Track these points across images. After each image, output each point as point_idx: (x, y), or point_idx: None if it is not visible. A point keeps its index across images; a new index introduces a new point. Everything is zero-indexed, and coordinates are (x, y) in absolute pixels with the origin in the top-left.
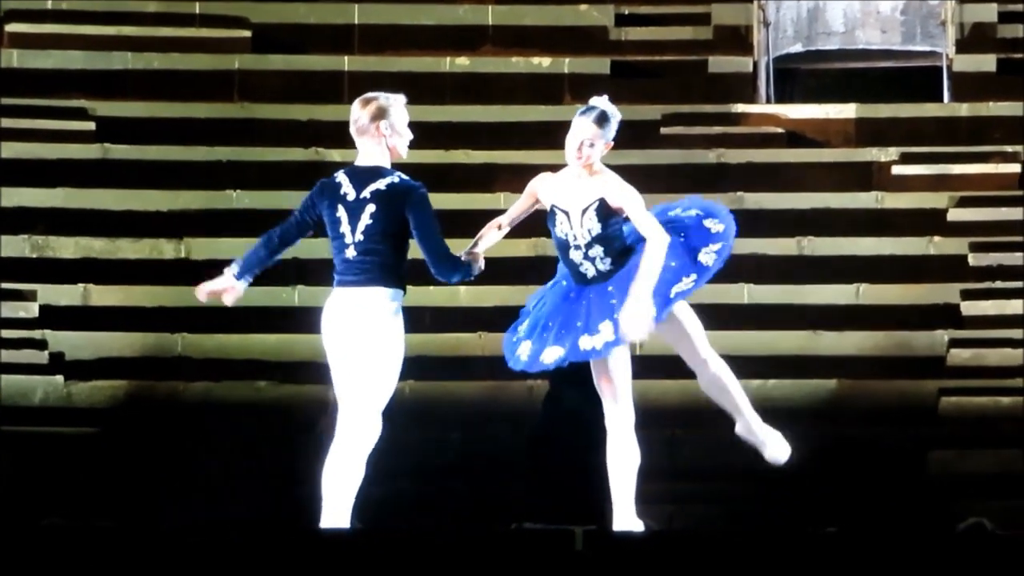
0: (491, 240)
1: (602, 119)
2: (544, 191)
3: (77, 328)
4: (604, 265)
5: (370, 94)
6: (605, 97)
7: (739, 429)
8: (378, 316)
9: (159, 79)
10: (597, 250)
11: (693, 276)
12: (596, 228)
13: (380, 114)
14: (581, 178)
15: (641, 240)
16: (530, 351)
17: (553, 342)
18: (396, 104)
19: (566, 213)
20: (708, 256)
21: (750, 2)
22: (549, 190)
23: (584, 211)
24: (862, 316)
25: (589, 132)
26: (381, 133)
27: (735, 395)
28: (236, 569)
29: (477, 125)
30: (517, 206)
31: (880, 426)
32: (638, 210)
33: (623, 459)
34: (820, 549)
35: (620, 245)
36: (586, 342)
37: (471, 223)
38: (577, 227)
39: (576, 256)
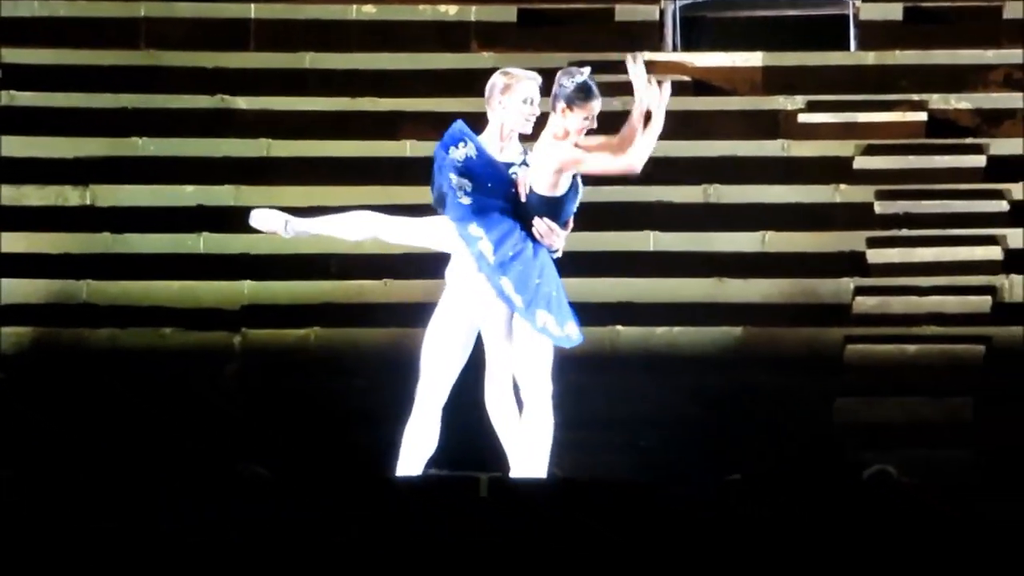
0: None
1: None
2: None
3: None
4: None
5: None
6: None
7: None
8: None
9: (65, 26)
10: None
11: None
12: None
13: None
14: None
15: None
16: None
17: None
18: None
19: None
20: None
21: None
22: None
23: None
24: (768, 264)
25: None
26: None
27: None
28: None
29: (383, 72)
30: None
31: (786, 374)
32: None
33: (539, 430)
34: (725, 497)
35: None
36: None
37: (376, 171)
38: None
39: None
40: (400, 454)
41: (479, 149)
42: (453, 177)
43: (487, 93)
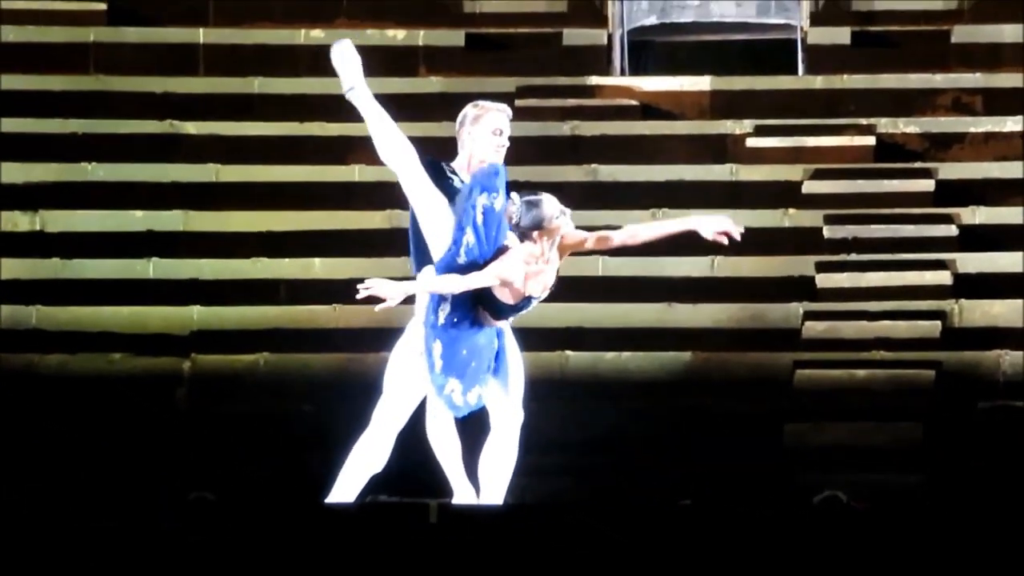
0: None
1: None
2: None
3: None
4: None
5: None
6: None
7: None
8: None
9: (14, 51)
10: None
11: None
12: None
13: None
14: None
15: None
16: None
17: None
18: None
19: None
20: None
21: None
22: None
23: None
24: (717, 288)
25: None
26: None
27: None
28: None
29: (332, 97)
30: None
31: (735, 398)
32: None
33: (505, 457)
34: (675, 522)
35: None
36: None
37: (325, 195)
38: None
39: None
40: (343, 472)
41: (492, 211)
42: (469, 232)
43: (457, 124)
